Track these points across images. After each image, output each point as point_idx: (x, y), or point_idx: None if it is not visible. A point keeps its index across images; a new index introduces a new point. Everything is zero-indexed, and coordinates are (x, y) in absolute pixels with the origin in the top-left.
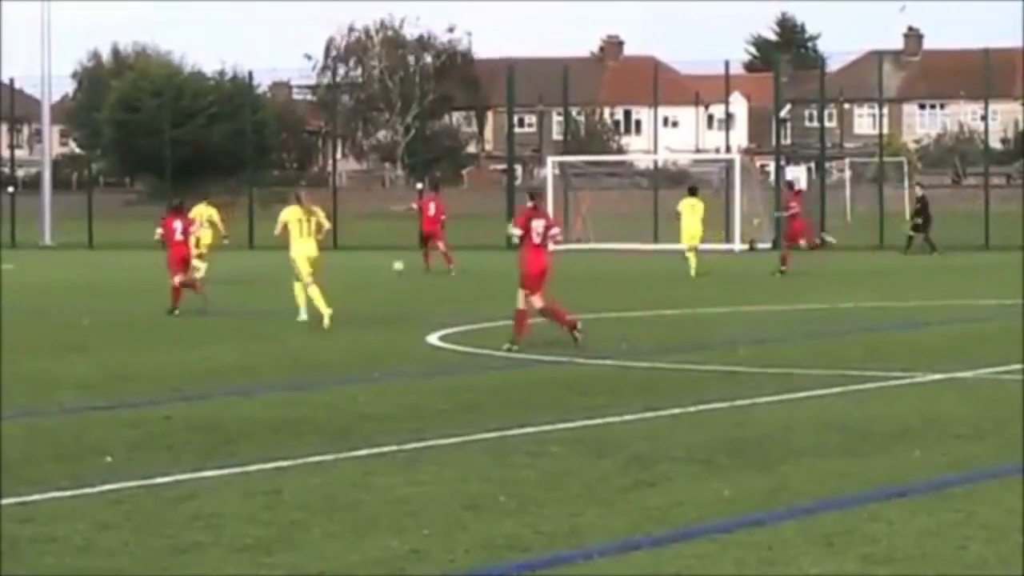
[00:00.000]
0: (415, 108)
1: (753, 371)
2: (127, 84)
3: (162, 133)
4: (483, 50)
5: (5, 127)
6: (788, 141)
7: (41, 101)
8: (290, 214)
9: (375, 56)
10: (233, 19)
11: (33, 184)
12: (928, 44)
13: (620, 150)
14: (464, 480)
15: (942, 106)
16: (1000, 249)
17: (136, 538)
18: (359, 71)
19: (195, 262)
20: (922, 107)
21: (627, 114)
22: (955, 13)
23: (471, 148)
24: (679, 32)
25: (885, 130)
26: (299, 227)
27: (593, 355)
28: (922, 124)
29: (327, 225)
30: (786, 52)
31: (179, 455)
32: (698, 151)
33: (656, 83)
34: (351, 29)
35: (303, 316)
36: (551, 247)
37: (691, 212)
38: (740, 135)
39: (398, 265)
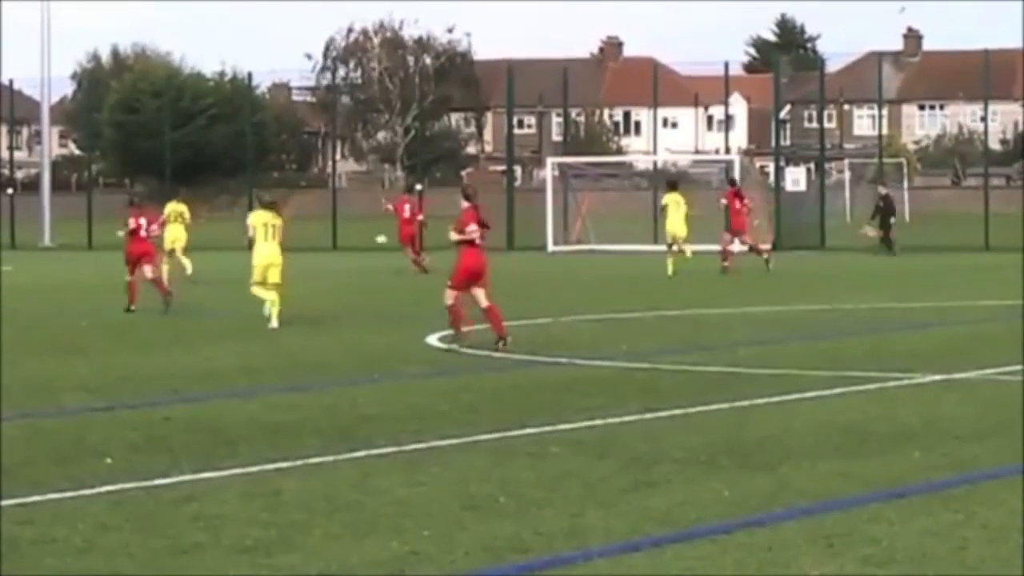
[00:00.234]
0: (415, 109)
1: (753, 372)
2: (127, 85)
3: (162, 134)
4: (483, 51)
5: (4, 128)
6: (788, 142)
7: (41, 102)
8: (257, 218)
9: (375, 57)
10: (232, 20)
11: (32, 185)
12: (928, 45)
13: (620, 151)
14: (464, 481)
15: (941, 107)
16: (1000, 250)
17: (136, 539)
18: (358, 72)
19: (185, 260)
20: (922, 108)
21: (627, 115)
22: (954, 14)
23: (471, 149)
24: (679, 33)
25: (885, 131)
26: (264, 231)
27: (593, 356)
28: (922, 125)
29: (280, 235)
30: (786, 53)
31: (179, 456)
32: (698, 152)
33: (656, 84)
34: (350, 30)
35: (273, 323)
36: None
37: (675, 208)
38: (740, 136)
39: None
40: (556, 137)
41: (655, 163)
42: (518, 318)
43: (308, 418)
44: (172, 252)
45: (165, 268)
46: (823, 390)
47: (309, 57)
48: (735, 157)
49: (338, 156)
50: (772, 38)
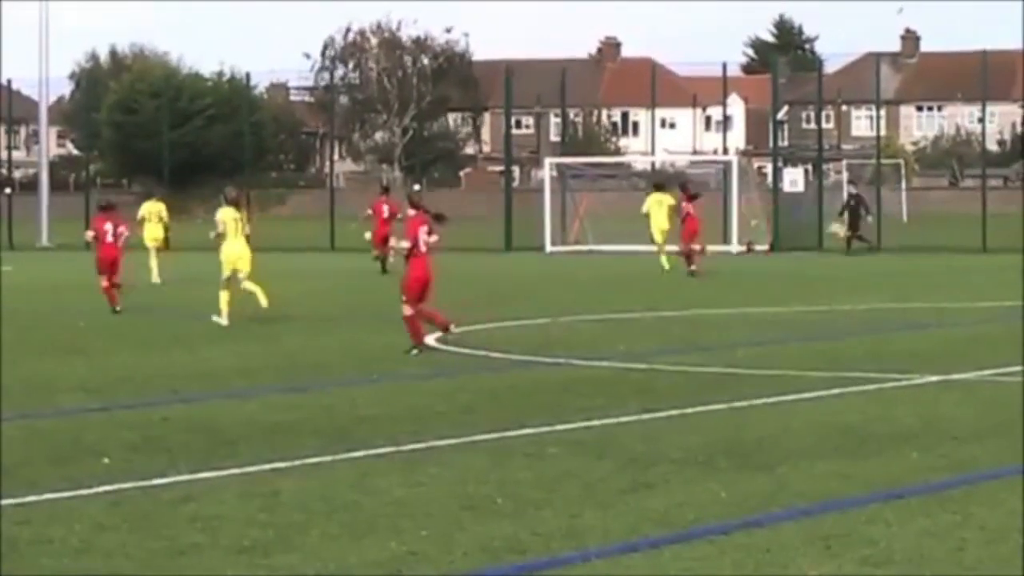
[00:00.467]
0: (413, 109)
1: (751, 373)
2: (125, 85)
3: (160, 134)
4: (481, 51)
5: (2, 128)
6: (786, 143)
7: (39, 102)
8: (226, 214)
9: (372, 57)
10: (230, 21)
11: (31, 185)
12: (925, 46)
13: (618, 152)
14: (462, 482)
15: (939, 108)
16: (997, 251)
17: (134, 540)
18: (356, 73)
19: (151, 262)
20: (919, 109)
21: (625, 116)
22: (952, 15)
23: (468, 149)
24: (677, 34)
25: (883, 132)
26: (234, 226)
27: (591, 357)
28: (919, 126)
29: (247, 229)
30: (784, 54)
31: (177, 457)
32: (696, 153)
33: (654, 85)
34: (348, 30)
35: (224, 321)
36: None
37: (658, 208)
38: (738, 137)
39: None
40: (554, 137)
41: (653, 164)
42: (516, 318)
43: (306, 418)
44: (148, 250)
45: (154, 265)
46: (821, 391)
47: (308, 56)
48: (733, 158)
49: (336, 156)
50: (770, 39)
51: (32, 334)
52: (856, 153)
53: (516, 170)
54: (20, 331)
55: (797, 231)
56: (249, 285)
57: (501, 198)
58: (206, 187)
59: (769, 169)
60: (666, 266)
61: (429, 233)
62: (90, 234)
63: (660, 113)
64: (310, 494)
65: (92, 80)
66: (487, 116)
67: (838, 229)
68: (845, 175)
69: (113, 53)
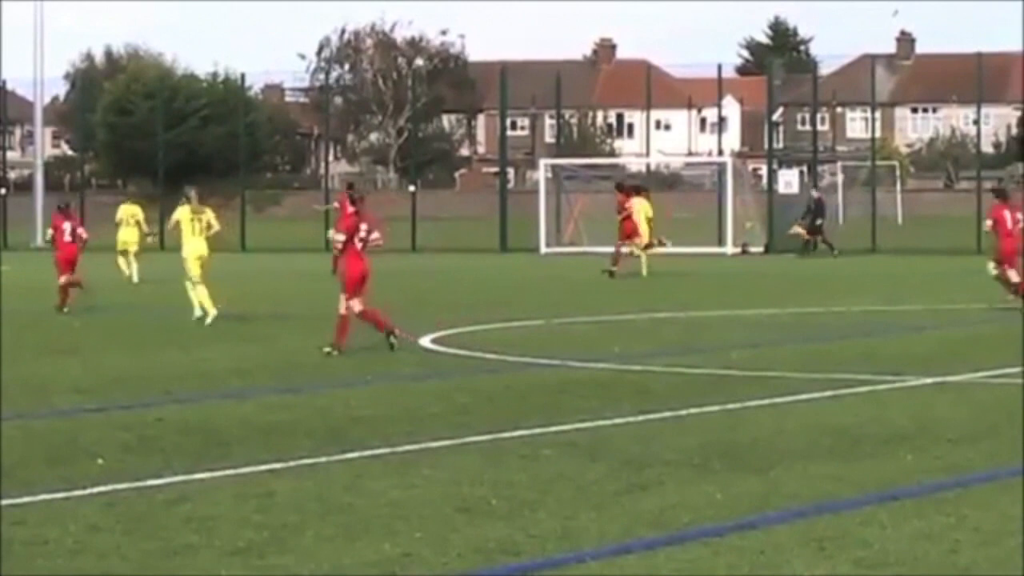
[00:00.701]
0: (408, 111)
1: (746, 375)
2: (120, 86)
3: (155, 135)
4: (476, 52)
5: None
6: (781, 144)
7: (33, 103)
8: (182, 213)
9: (367, 58)
10: (225, 21)
11: (25, 186)
12: (921, 48)
13: (613, 153)
14: (456, 483)
15: (934, 110)
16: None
17: (128, 541)
18: (351, 74)
19: (122, 262)
20: (914, 111)
21: (620, 117)
22: (948, 17)
23: (464, 151)
24: (672, 35)
25: (878, 134)
26: (191, 226)
27: (586, 358)
28: (914, 128)
29: (216, 226)
30: (779, 56)
31: (172, 458)
32: (690, 154)
33: (649, 86)
34: (343, 31)
35: (198, 313)
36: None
37: (638, 212)
38: (733, 138)
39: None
40: (549, 139)
41: (648, 165)
42: (510, 320)
43: (301, 419)
44: (125, 252)
45: (124, 266)
46: (815, 393)
47: (303, 57)
48: (728, 159)
49: (331, 157)
50: (765, 40)
51: (27, 335)
52: (851, 155)
53: (511, 171)
54: (15, 331)
55: (819, 233)
56: (201, 292)
57: (496, 199)
58: (201, 188)
59: (764, 171)
60: (644, 271)
61: (369, 232)
62: (49, 233)
63: (655, 114)
64: (305, 495)
65: (87, 81)
66: (482, 117)
67: (800, 231)
68: (840, 177)
69: (108, 54)
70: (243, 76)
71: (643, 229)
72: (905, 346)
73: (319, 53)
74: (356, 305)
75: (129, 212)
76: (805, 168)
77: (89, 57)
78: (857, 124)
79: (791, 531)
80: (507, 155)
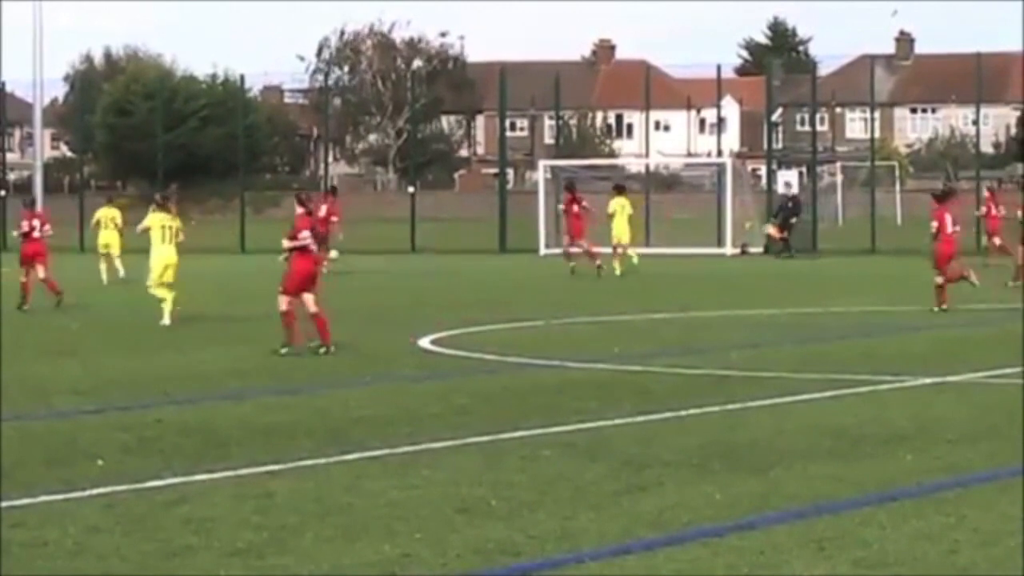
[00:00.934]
0: (407, 112)
1: (745, 375)
2: (119, 87)
3: (154, 136)
4: (475, 53)
5: None
6: (780, 145)
7: (33, 104)
8: (154, 220)
9: (367, 60)
10: (225, 23)
11: (24, 188)
12: (920, 48)
13: (612, 154)
14: (456, 484)
15: (934, 110)
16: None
17: (127, 542)
18: (353, 76)
19: (102, 265)
20: (914, 111)
21: (619, 118)
22: (947, 17)
23: (463, 152)
24: (671, 36)
25: (877, 134)
26: (162, 233)
27: (585, 359)
28: (914, 128)
29: (181, 237)
30: (778, 56)
31: (170, 459)
32: (690, 155)
33: (648, 87)
34: (342, 32)
35: (163, 317)
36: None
37: (621, 211)
38: (732, 139)
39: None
40: (548, 140)
41: (647, 166)
42: (510, 320)
43: (300, 420)
44: (107, 255)
45: (104, 269)
46: (815, 393)
47: (302, 59)
48: (727, 160)
49: (330, 159)
50: (764, 41)
51: (26, 336)
52: (850, 155)
53: (510, 172)
54: (14, 333)
55: (791, 233)
56: (168, 295)
57: (495, 200)
58: (200, 189)
59: (763, 171)
60: (617, 271)
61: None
62: (24, 225)
63: (654, 115)
64: (304, 496)
65: (86, 82)
66: (481, 118)
67: (772, 231)
68: (840, 178)
69: (107, 55)
70: (242, 77)
71: (624, 228)
72: (904, 346)
73: (318, 54)
74: (311, 306)
75: (108, 215)
76: (804, 168)
77: (88, 59)
78: (856, 124)
79: (790, 531)
80: (506, 156)
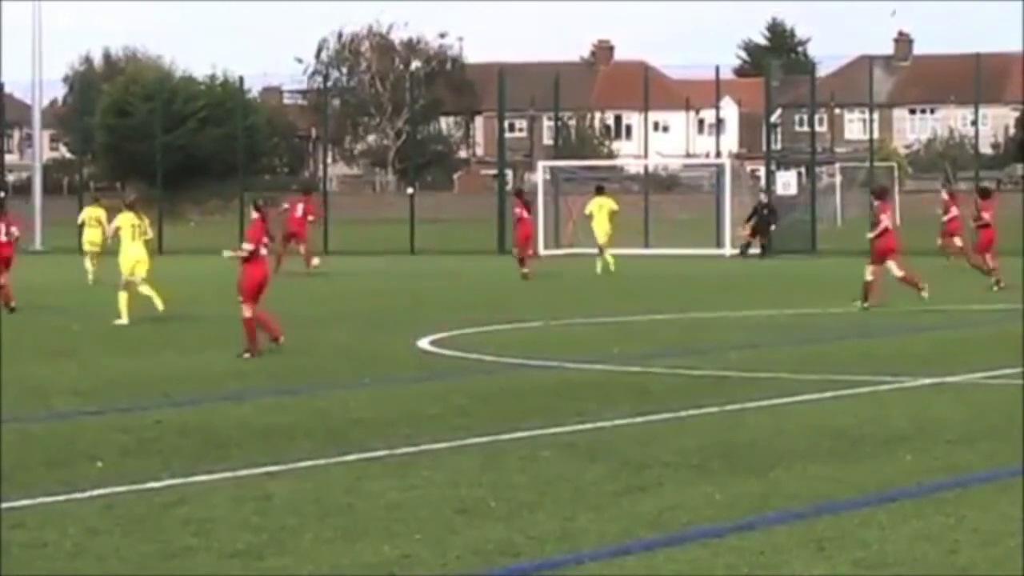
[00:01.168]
0: (406, 113)
1: (745, 376)
2: (118, 88)
3: (153, 137)
4: (474, 54)
5: None
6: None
7: (32, 105)
8: (123, 220)
9: (365, 61)
10: (224, 24)
11: (24, 189)
12: (919, 49)
13: (611, 155)
14: (455, 485)
15: (933, 111)
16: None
17: (127, 543)
18: (349, 76)
19: (88, 263)
20: (913, 112)
21: (618, 119)
22: (946, 18)
23: (462, 153)
24: (670, 37)
25: (876, 135)
26: (131, 232)
27: (584, 359)
28: (913, 129)
29: (150, 234)
30: (777, 57)
31: (170, 460)
32: (689, 156)
33: (647, 88)
34: (341, 34)
35: (124, 321)
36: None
37: (599, 211)
38: (731, 140)
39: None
40: (547, 141)
41: (646, 167)
42: (509, 321)
43: (299, 422)
44: (93, 254)
45: (90, 267)
46: (814, 394)
47: (300, 60)
48: (726, 161)
49: (329, 160)
50: (763, 42)
51: (25, 337)
52: (849, 156)
53: (509, 173)
54: (14, 334)
55: (790, 234)
56: (145, 289)
57: (494, 201)
58: (199, 190)
59: (762, 172)
60: (599, 270)
61: (271, 239)
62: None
63: (653, 116)
64: (303, 497)
65: (85, 83)
66: (480, 119)
67: (741, 230)
68: (839, 179)
69: (106, 56)
70: (241, 78)
71: (603, 228)
72: (904, 346)
73: (317, 55)
74: (247, 310)
75: (93, 215)
76: (803, 169)
77: (87, 60)
78: (855, 125)
79: (790, 532)
80: (505, 157)
